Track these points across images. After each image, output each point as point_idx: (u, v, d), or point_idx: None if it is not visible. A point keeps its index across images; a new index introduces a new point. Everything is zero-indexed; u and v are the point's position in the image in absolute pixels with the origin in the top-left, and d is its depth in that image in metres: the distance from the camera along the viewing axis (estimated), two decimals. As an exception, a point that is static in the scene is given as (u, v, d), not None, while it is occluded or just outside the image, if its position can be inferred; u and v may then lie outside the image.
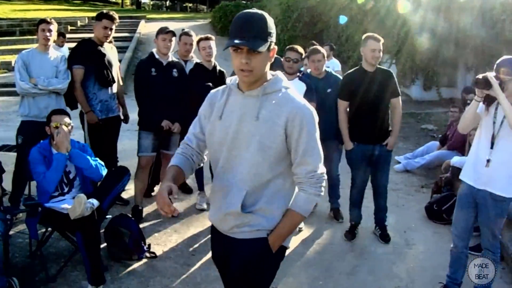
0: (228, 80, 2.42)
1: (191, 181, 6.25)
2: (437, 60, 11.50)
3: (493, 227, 3.81)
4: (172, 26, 5.56)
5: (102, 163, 4.46)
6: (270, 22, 2.19)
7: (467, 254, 4.05)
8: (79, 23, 23.29)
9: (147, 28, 22.10)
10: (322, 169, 2.32)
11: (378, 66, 5.04)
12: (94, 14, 25.95)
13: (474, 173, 3.81)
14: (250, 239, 2.35)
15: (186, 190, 6.23)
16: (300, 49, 5.31)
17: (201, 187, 5.92)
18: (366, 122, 4.99)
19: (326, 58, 5.54)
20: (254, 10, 2.21)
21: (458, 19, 10.85)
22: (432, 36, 11.08)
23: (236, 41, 2.11)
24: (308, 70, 5.70)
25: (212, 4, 36.68)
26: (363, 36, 5.00)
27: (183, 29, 5.89)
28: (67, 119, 4.38)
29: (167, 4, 51.23)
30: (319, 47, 5.64)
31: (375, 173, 5.21)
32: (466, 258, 4.03)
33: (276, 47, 2.25)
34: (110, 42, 5.65)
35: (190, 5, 50.17)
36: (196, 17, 30.83)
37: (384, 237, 5.21)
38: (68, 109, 5.12)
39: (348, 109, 5.14)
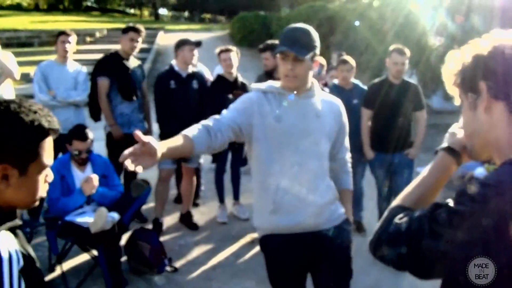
0: (260, 85, 2.61)
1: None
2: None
3: None
4: (191, 37, 5.53)
5: (119, 186, 4.46)
6: (315, 36, 2.53)
7: None
8: (97, 35, 23.52)
9: (165, 39, 22.21)
10: None
11: (404, 79, 5.08)
12: (112, 26, 26.23)
13: None
14: (338, 226, 2.66)
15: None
16: (322, 60, 5.27)
17: (222, 200, 5.87)
18: (388, 133, 5.02)
19: (354, 69, 5.50)
20: (302, 24, 2.57)
21: (479, 25, 10.74)
22: (451, 43, 10.96)
23: (284, 48, 2.44)
24: (335, 81, 5.65)
25: (231, 15, 36.90)
26: (390, 48, 4.99)
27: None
28: (89, 144, 4.33)
29: (186, 15, 51.66)
30: (348, 58, 5.60)
31: (396, 180, 5.20)
32: None
33: (318, 59, 2.59)
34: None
35: (209, 16, 50.51)
36: (214, 28, 31.00)
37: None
38: (91, 121, 5.14)
39: (371, 119, 5.17)
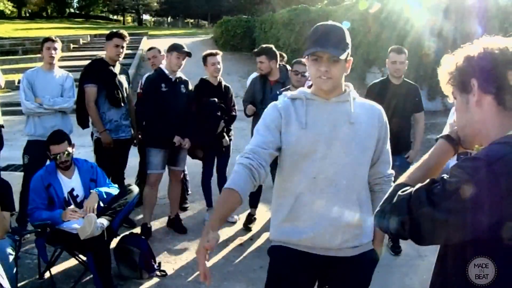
0: (287, 93, 2.42)
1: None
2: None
3: None
4: (174, 42, 5.53)
5: (115, 185, 4.48)
6: (347, 33, 2.27)
7: None
8: (81, 41, 23.41)
9: (149, 45, 22.11)
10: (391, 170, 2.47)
11: (405, 79, 5.12)
12: (96, 32, 26.16)
13: None
14: (360, 254, 2.37)
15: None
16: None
17: (210, 204, 5.88)
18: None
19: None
20: (332, 22, 2.33)
21: (464, 26, 10.86)
22: (435, 44, 11.09)
23: (319, 49, 2.19)
24: None
25: (214, 20, 36.91)
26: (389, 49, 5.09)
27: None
28: (66, 147, 4.31)
29: (169, 21, 51.54)
30: None
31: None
32: None
33: (352, 58, 2.33)
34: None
35: (192, 21, 50.48)
36: (198, 33, 31.03)
37: (396, 249, 5.17)
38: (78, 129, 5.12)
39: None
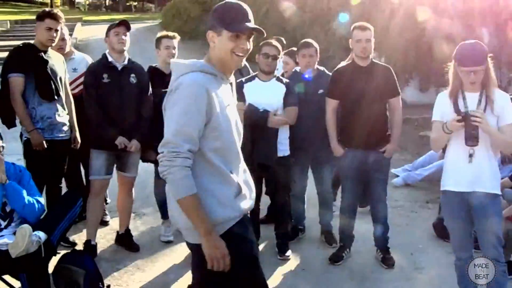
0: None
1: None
2: (433, 55, 11.73)
3: (497, 229, 3.97)
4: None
5: (41, 199, 4.41)
6: None
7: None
8: None
9: (84, 33, 22.02)
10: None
11: (374, 60, 5.23)
12: (17, 18, 25.64)
13: (460, 176, 3.98)
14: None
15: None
16: (278, 44, 5.41)
17: (165, 215, 5.90)
18: (359, 125, 5.10)
19: (318, 54, 5.64)
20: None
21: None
22: (425, 26, 11.30)
23: (252, 25, 2.75)
24: (297, 68, 5.79)
25: (162, 2, 36.79)
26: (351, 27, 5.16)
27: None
28: None
29: (107, 3, 51.12)
30: (311, 41, 5.74)
31: (371, 185, 5.34)
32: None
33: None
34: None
35: (135, 3, 50.20)
36: (143, 18, 30.88)
37: (388, 261, 5.31)
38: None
39: (339, 110, 5.29)
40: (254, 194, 3.03)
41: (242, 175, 2.94)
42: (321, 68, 5.73)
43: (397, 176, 7.98)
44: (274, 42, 5.40)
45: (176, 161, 2.61)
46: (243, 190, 2.86)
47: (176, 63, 2.90)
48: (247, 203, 2.91)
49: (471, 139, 3.73)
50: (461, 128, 3.78)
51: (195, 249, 2.82)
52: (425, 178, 7.72)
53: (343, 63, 5.52)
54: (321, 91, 5.46)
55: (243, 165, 2.99)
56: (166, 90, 5.24)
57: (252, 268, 2.93)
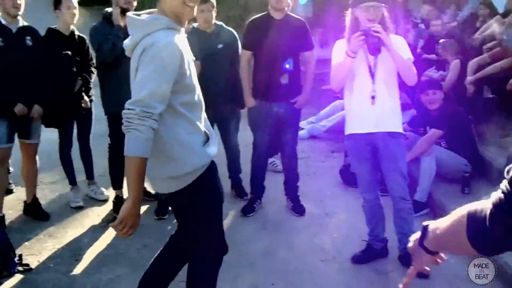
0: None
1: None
2: (331, 11, 11.92)
3: (401, 167, 4.21)
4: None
5: None
6: None
7: (380, 205, 4.46)
8: None
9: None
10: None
11: (290, 13, 5.26)
12: None
13: (363, 118, 4.16)
14: None
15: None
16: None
17: (73, 181, 5.79)
18: (271, 77, 5.18)
19: (215, 8, 5.61)
20: None
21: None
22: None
23: None
24: (194, 24, 5.74)
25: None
26: None
27: None
28: None
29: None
30: None
31: (282, 136, 5.45)
32: (381, 209, 4.46)
33: None
34: None
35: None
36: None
37: (298, 209, 5.49)
38: None
39: (252, 61, 5.36)
40: (216, 140, 3.16)
41: (204, 124, 3.04)
42: (219, 23, 5.69)
43: (302, 129, 8.14)
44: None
45: (147, 122, 2.63)
46: (210, 137, 3.01)
47: (137, 19, 2.86)
48: (214, 149, 3.04)
49: (375, 50, 3.91)
50: (362, 45, 3.93)
51: (173, 197, 3.03)
52: (329, 129, 7.94)
53: (259, 15, 5.47)
54: (220, 45, 5.46)
55: (204, 114, 3.07)
56: (66, 52, 5.20)
57: (220, 211, 3.16)
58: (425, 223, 1.57)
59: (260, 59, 5.27)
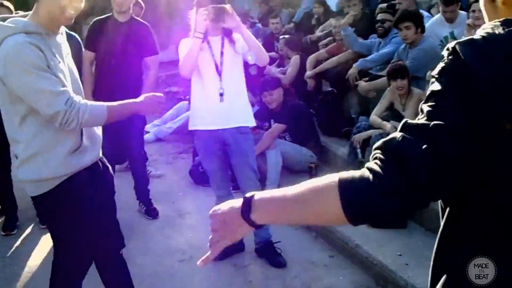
0: None
1: None
2: (172, 14, 11.86)
3: (251, 162, 4.31)
4: None
5: None
6: None
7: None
8: None
9: None
10: None
11: (135, 17, 5.19)
12: None
13: (211, 115, 4.18)
14: None
15: None
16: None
17: None
18: (111, 80, 5.04)
19: None
20: None
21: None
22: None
23: None
24: None
25: None
26: None
27: None
28: None
29: None
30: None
31: (126, 142, 5.33)
32: None
33: None
34: None
35: None
36: None
37: (151, 212, 5.43)
38: None
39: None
40: (99, 144, 3.06)
41: (87, 131, 2.95)
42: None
43: (148, 132, 8.01)
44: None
45: (77, 109, 2.66)
46: (83, 144, 2.87)
47: None
48: (87, 158, 2.93)
49: (218, 18, 3.90)
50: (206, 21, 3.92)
51: (38, 200, 2.90)
52: (175, 130, 7.89)
53: (103, 16, 5.31)
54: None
55: None
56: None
57: (82, 223, 2.95)
58: (248, 195, 1.57)
59: (101, 61, 5.17)
